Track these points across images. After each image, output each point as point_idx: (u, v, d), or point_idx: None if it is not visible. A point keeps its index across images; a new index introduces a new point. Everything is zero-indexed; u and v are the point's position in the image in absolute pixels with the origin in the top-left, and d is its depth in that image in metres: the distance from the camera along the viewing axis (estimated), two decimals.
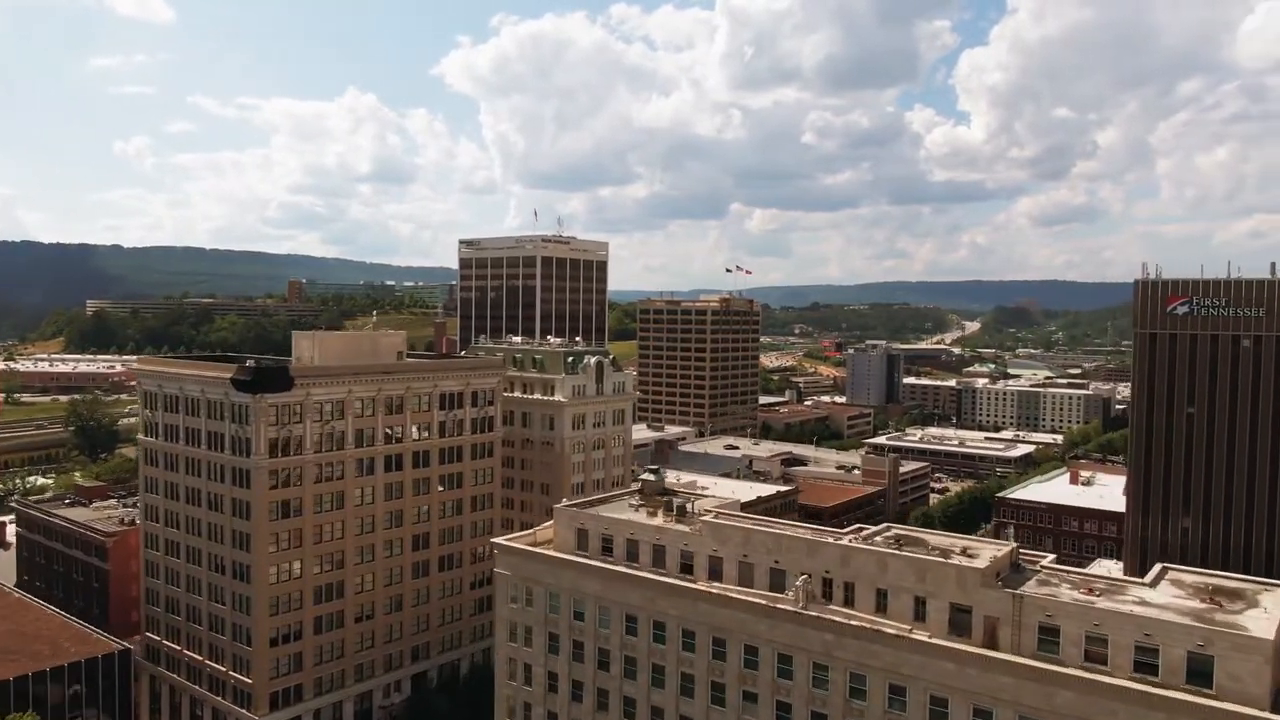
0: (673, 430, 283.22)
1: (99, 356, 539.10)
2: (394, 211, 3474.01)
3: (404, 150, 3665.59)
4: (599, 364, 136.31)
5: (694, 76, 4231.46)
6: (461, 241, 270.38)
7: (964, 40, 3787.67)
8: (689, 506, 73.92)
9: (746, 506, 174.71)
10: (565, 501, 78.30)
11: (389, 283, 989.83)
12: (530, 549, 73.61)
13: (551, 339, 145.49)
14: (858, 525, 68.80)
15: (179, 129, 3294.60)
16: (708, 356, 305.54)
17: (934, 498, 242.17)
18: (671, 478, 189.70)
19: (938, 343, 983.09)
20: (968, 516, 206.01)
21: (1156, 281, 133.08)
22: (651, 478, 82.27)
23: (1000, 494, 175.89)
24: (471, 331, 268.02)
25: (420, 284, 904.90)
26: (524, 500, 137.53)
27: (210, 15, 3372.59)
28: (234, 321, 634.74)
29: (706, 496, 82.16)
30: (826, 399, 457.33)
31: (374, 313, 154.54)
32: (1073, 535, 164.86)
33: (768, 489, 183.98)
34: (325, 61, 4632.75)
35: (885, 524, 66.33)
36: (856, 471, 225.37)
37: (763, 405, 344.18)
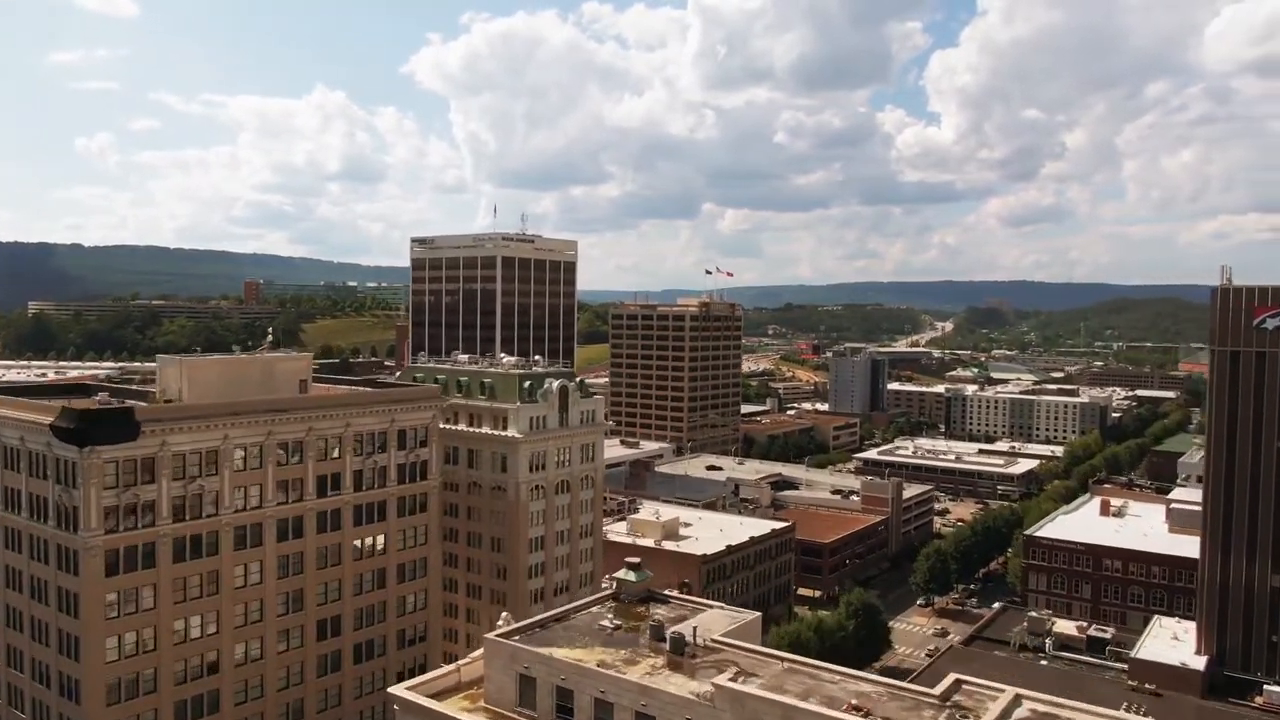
0: (648, 447, 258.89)
1: (34, 363, 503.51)
2: (364, 211, 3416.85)
3: (373, 149, 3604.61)
4: (562, 389, 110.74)
5: (666, 76, 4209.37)
6: (414, 240, 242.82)
7: (935, 41, 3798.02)
8: (690, 636, 48.79)
9: (737, 549, 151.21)
10: (501, 625, 52.61)
11: (351, 283, 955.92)
12: (442, 712, 47.77)
13: (506, 358, 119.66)
14: (955, 679, 43.76)
15: (143, 126, 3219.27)
16: (686, 365, 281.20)
17: (936, 520, 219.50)
18: (650, 513, 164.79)
19: (914, 344, 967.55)
20: (981, 550, 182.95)
21: (1239, 289, 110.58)
22: (633, 577, 57.06)
23: (1029, 532, 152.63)
24: (425, 339, 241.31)
25: (383, 285, 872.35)
26: (470, 558, 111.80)
27: (174, 9, 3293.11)
28: (183, 325, 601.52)
29: (711, 606, 56.77)
30: (808, 406, 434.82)
31: (270, 329, 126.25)
32: (1115, 581, 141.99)
33: (760, 525, 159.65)
34: (292, 58, 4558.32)
35: (1013, 693, 41.18)
36: (855, 497, 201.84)
37: (743, 415, 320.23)
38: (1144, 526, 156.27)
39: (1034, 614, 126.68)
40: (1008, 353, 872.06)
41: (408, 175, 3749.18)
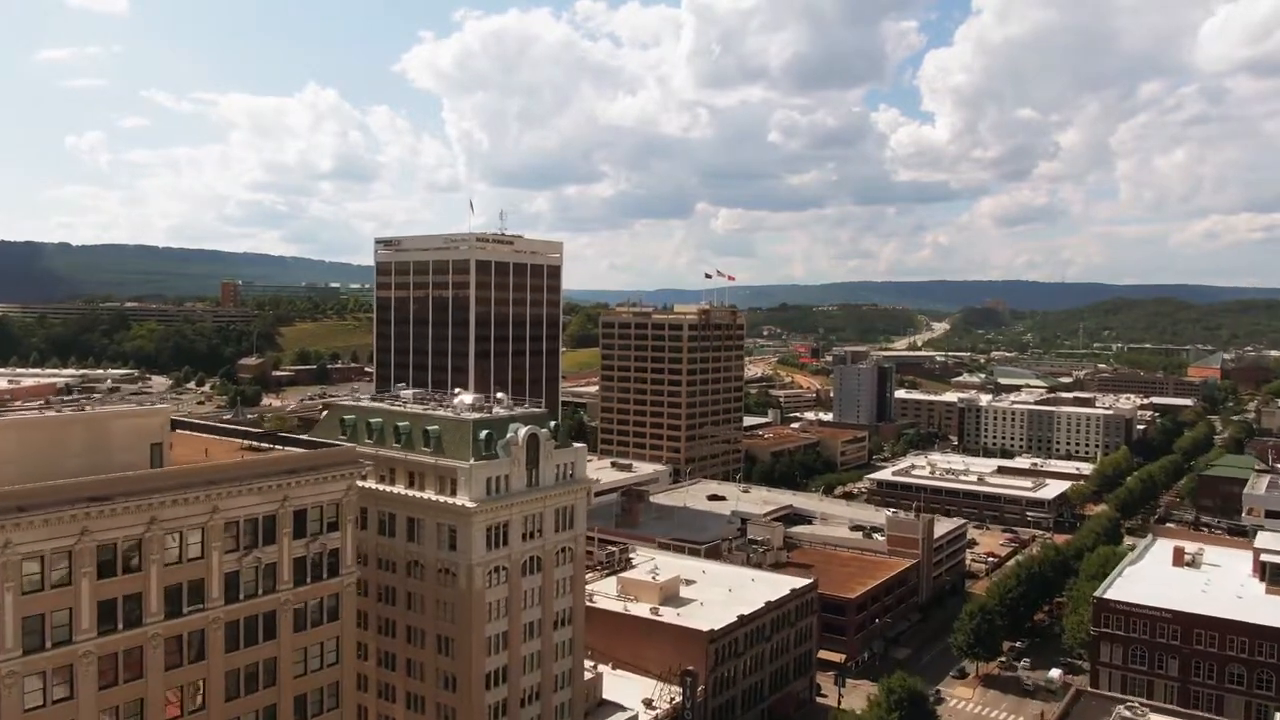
0: (642, 469, 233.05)
1: None
2: (356, 210, 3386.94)
3: (366, 147, 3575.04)
4: (531, 439, 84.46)
5: (660, 74, 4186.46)
6: (378, 241, 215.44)
7: (929, 41, 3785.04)
8: None
9: (751, 619, 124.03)
10: None
11: (333, 284, 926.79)
12: None
13: (462, 396, 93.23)
14: None
15: (133, 124, 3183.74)
16: (684, 378, 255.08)
17: (966, 554, 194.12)
18: (645, 570, 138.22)
19: (911, 345, 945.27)
20: (1030, 603, 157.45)
21: None
22: None
23: (1100, 594, 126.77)
24: (391, 351, 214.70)
25: (366, 286, 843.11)
26: (412, 659, 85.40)
27: (164, 6, 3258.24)
28: (153, 329, 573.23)
29: None
30: (810, 416, 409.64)
31: (105, 369, 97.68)
32: (1211, 659, 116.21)
33: (776, 583, 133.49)
34: (284, 56, 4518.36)
35: None
36: (878, 535, 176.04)
37: (743, 428, 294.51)
38: (1231, 583, 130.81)
39: (1126, 713, 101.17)
40: (1007, 354, 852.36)
41: (401, 174, 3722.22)
